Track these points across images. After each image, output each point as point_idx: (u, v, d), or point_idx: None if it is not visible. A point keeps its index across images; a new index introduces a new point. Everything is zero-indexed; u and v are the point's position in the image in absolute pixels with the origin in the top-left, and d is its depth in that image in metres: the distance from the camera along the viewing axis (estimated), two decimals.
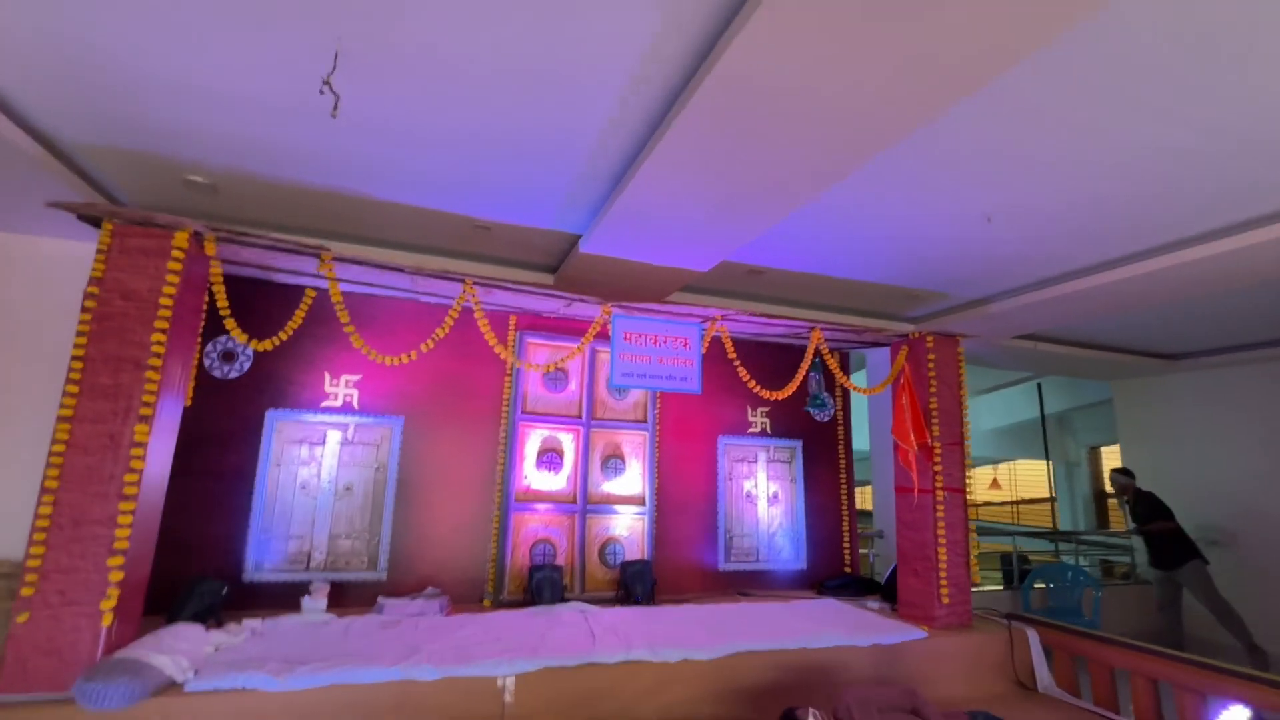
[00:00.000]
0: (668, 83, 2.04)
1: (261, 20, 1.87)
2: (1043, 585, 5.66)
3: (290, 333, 3.07)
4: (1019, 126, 2.33)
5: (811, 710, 2.35)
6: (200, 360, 3.64)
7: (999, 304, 4.35)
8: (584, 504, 4.29)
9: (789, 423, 5.03)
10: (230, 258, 3.04)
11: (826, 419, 5.17)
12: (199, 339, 3.42)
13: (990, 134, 2.38)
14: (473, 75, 2.07)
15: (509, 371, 4.25)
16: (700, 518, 4.63)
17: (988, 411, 10.24)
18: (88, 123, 2.46)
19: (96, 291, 2.51)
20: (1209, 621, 5.26)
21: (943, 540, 3.74)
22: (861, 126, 1.99)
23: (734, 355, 3.74)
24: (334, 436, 3.89)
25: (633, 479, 4.46)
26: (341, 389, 3.93)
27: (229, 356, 3.74)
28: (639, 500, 4.44)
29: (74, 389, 2.43)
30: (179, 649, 2.50)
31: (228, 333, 3.25)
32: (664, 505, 4.51)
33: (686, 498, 4.61)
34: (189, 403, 2.98)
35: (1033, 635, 3.66)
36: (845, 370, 5.22)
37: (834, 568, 4.93)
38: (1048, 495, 9.51)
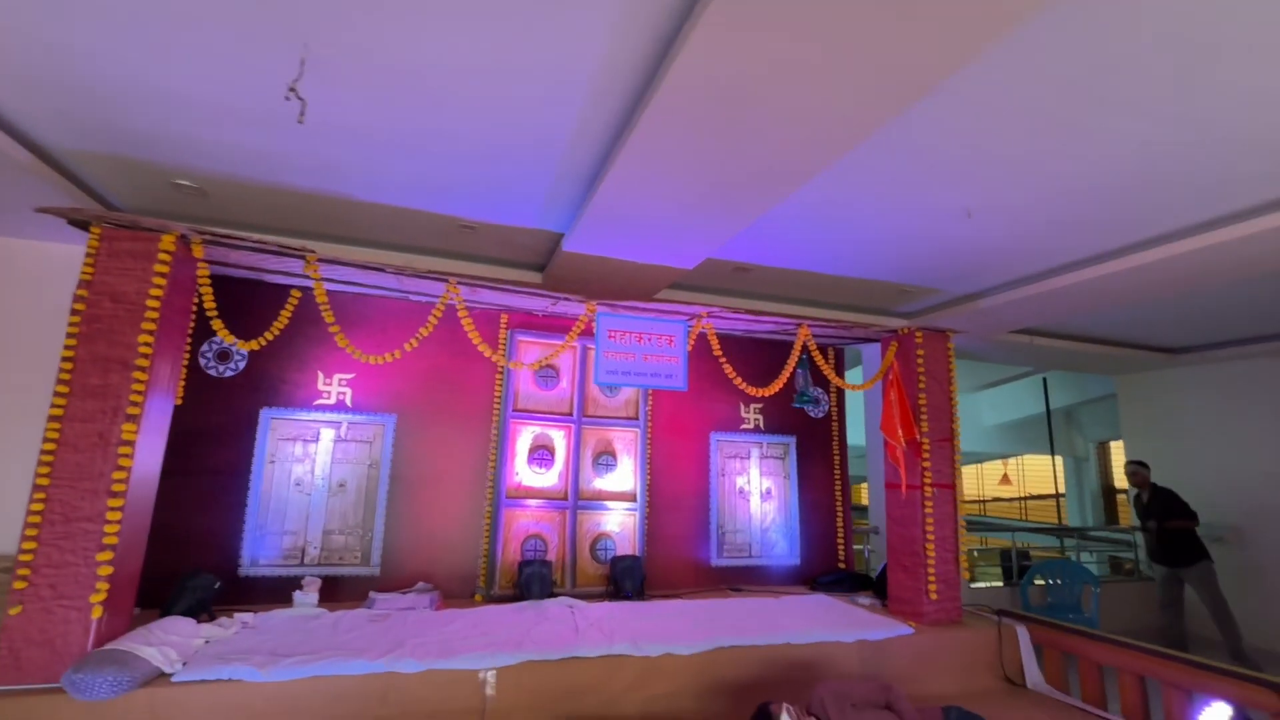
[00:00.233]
0: (631, 86, 2.06)
1: (233, 29, 1.91)
2: (1042, 581, 5.62)
3: (277, 333, 3.13)
4: (993, 122, 2.32)
5: (785, 705, 2.36)
6: (196, 360, 3.72)
7: (990, 299, 4.32)
8: (575, 500, 4.33)
9: (783, 419, 5.03)
10: (220, 260, 3.10)
11: (821, 415, 5.16)
12: (190, 339, 3.50)
13: (965, 130, 2.37)
14: (435, 82, 2.11)
15: (500, 369, 4.29)
16: (692, 514, 4.65)
17: (992, 407, 10.14)
18: (74, 129, 2.53)
19: (85, 294, 2.58)
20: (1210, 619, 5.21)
21: (931, 536, 3.73)
22: (821, 125, 2.00)
23: (719, 352, 3.75)
24: (328, 434, 3.96)
25: (624, 475, 4.49)
26: (335, 387, 4.00)
27: (224, 356, 3.82)
28: (630, 497, 4.47)
29: (64, 389, 2.50)
30: (168, 641, 2.57)
31: None
32: (656, 501, 4.54)
33: (679, 494, 4.63)
34: (180, 401, 3.05)
35: (1022, 632, 3.65)
36: (841, 366, 5.22)
37: (828, 564, 4.93)
38: (1055, 491, 9.41)
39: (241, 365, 3.83)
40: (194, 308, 3.05)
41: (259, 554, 3.69)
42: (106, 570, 2.44)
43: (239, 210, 3.31)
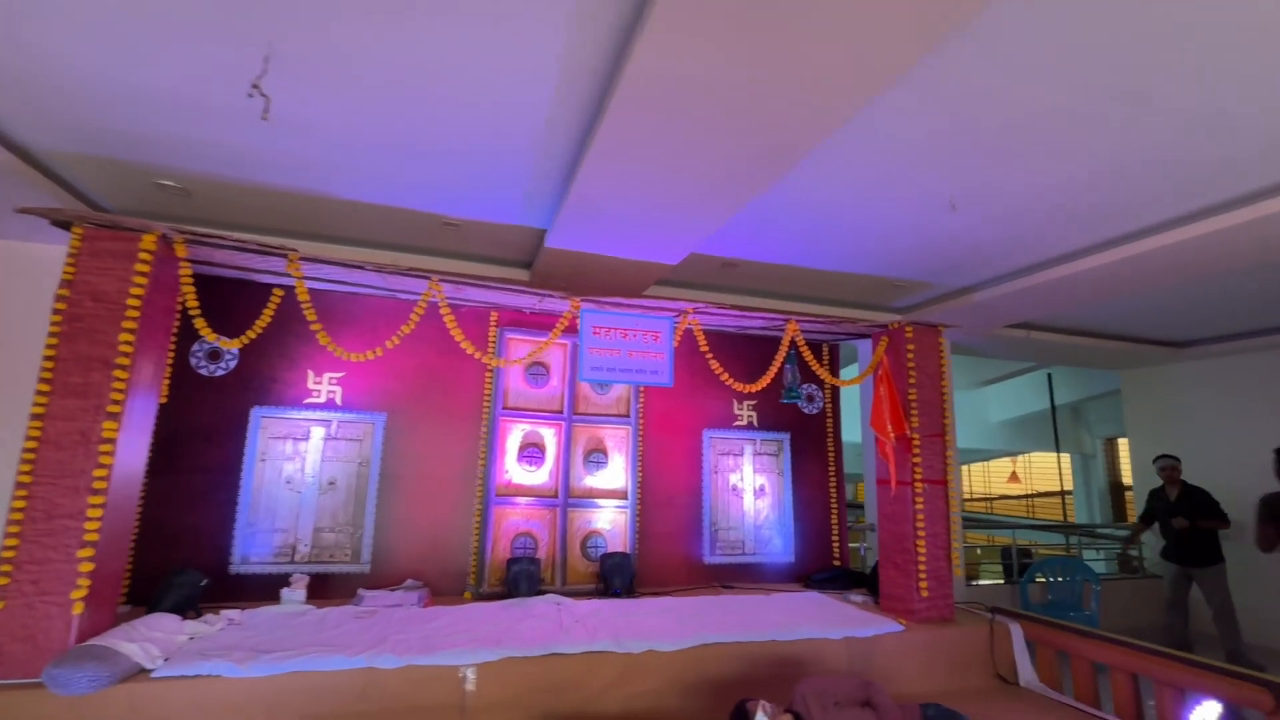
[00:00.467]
0: (595, 80, 2.04)
1: (208, 29, 1.92)
2: (1043, 579, 5.55)
3: (260, 331, 3.14)
4: (969, 110, 2.28)
5: (762, 703, 2.33)
6: (187, 359, 3.76)
7: (984, 292, 4.26)
8: (565, 498, 4.33)
9: (776, 416, 4.99)
10: (205, 259, 3.13)
11: (815, 411, 5.12)
12: (180, 339, 3.54)
13: (941, 119, 2.34)
14: (409, 82, 2.11)
15: (490, 368, 4.29)
16: (685, 511, 4.63)
17: (997, 403, 10.01)
18: (54, 130, 2.56)
19: (67, 293, 2.60)
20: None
21: (922, 533, 3.69)
22: (781, 121, 1.98)
23: (706, 348, 3.73)
24: (318, 432, 3.98)
25: (615, 473, 4.47)
26: (325, 386, 4.02)
27: (215, 355, 3.85)
28: (621, 494, 4.45)
29: (46, 387, 2.52)
30: (151, 638, 2.59)
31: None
32: (647, 498, 4.52)
33: (671, 491, 4.62)
34: (166, 400, 3.07)
35: (1015, 629, 3.60)
36: (836, 363, 5.17)
37: (823, 561, 4.89)
38: (1060, 488, 9.28)
39: (232, 364, 3.86)
40: (179, 307, 3.08)
41: (250, 551, 3.72)
42: (88, 567, 2.46)
43: (223, 210, 3.33)
